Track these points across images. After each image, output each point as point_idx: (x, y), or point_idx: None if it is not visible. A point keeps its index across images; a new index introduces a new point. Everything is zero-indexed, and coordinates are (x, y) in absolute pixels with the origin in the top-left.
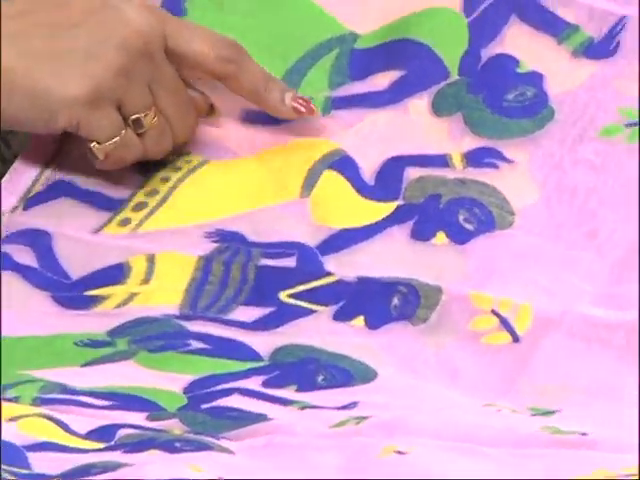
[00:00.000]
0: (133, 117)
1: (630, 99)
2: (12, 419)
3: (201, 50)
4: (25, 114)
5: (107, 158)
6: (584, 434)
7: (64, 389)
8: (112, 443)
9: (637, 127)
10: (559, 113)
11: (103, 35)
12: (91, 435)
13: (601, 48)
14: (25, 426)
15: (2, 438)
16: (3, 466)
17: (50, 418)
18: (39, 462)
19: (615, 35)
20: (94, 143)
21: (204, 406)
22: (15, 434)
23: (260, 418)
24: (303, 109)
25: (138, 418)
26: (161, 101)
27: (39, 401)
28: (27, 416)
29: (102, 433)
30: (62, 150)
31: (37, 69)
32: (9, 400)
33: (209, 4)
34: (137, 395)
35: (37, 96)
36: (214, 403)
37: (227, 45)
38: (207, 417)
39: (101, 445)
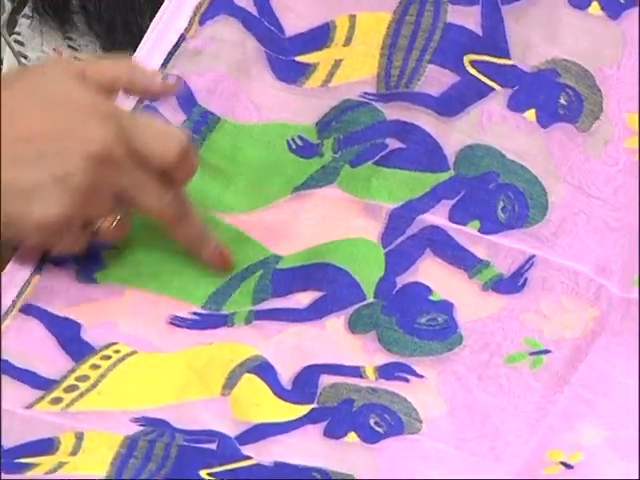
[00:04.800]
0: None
1: (535, 331)
2: None
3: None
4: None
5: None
6: None
7: None
8: None
9: (541, 355)
10: (467, 339)
11: (65, 162)
12: None
13: (509, 284)
14: None
15: None
16: None
17: None
18: None
19: (523, 273)
20: None
21: None
22: None
23: None
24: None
25: None
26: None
27: None
28: None
29: None
30: None
31: (7, 201)
32: None
33: (138, 237)
34: None
35: (9, 224)
36: None
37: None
38: None
39: None
